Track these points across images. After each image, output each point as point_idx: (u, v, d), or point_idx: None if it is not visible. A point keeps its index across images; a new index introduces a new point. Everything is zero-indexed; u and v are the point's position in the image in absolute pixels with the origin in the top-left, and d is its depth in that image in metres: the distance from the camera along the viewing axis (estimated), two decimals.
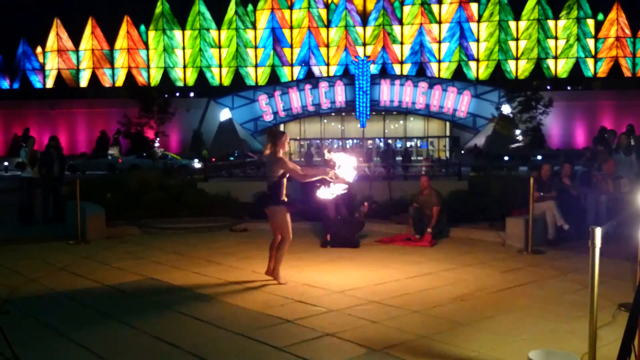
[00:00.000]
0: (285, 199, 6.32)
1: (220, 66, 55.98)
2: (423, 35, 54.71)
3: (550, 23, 53.73)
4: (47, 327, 4.83)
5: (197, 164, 31.35)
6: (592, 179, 9.49)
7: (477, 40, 54.46)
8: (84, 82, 56.84)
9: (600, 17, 53.82)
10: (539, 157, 29.88)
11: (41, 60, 57.18)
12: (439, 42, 54.73)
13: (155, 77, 55.78)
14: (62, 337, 4.58)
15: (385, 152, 33.10)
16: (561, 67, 54.00)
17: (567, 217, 8.55)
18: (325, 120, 50.16)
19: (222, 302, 5.56)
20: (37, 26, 55.61)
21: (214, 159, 32.42)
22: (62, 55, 56.71)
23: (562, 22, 53.73)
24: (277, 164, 6.23)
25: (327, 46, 55.45)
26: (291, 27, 55.64)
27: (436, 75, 53.11)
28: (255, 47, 55.83)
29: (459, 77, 52.02)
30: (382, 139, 49.41)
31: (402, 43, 55.09)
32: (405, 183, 13.33)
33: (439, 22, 54.68)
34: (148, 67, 56.28)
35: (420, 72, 53.24)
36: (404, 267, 7.08)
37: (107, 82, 56.63)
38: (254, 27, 55.71)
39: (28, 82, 57.05)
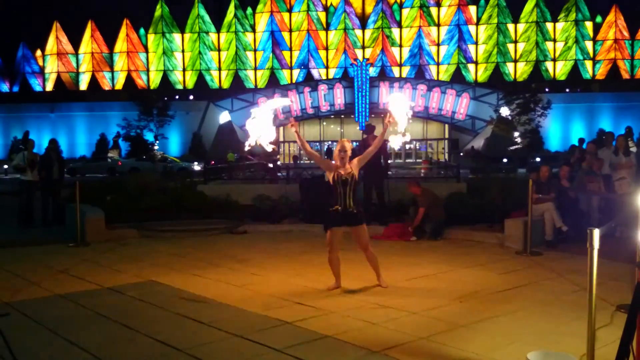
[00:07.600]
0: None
1: (219, 69, 56.02)
2: (422, 38, 54.77)
3: (549, 25, 53.80)
4: (47, 330, 4.83)
5: (196, 167, 31.41)
6: (578, 180, 9.56)
7: (476, 43, 54.52)
8: (83, 85, 56.86)
9: (598, 19, 53.88)
10: (537, 159, 29.93)
11: (41, 63, 57.21)
12: (438, 44, 54.79)
13: (155, 80, 55.80)
14: (61, 339, 4.59)
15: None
16: (559, 70, 54.05)
17: (566, 218, 8.57)
18: (324, 123, 50.16)
19: (221, 304, 5.57)
20: (37, 29, 55.75)
21: (213, 162, 32.50)
22: (61, 59, 56.73)
23: (560, 25, 53.78)
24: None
25: (326, 49, 55.51)
26: (290, 30, 55.70)
27: (435, 77, 53.12)
28: (255, 50, 55.88)
29: (457, 79, 52.05)
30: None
31: (400, 46, 55.14)
32: (404, 185, 13.31)
33: (438, 25, 54.75)
34: (147, 70, 56.29)
35: (419, 75, 53.27)
36: (402, 268, 7.10)
37: (106, 85, 56.65)
38: (253, 30, 55.77)
39: (28, 85, 57.06)
